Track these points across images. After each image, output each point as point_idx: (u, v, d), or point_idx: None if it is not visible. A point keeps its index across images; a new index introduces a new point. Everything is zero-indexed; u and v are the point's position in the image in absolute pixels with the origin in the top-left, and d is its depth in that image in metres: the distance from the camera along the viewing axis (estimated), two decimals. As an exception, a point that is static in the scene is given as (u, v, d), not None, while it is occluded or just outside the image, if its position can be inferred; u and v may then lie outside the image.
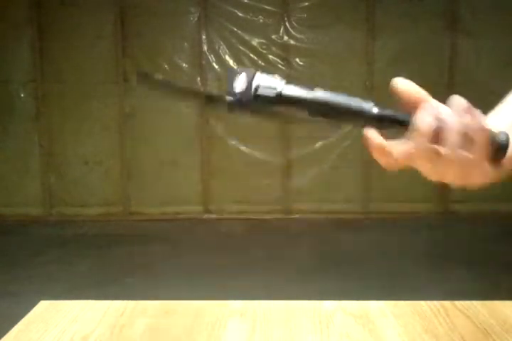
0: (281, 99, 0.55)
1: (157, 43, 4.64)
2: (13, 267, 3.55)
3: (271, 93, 0.54)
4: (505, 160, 0.56)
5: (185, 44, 4.67)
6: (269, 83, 0.55)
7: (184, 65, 4.67)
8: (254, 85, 0.54)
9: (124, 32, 4.60)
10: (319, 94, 0.55)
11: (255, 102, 0.55)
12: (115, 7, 4.56)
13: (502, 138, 0.55)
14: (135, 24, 4.61)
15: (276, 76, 0.55)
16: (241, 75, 0.55)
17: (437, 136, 0.52)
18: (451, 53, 4.61)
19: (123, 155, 4.72)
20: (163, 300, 0.93)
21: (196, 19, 4.63)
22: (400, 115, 0.55)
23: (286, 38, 4.66)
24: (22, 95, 4.68)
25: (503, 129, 0.57)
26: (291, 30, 4.64)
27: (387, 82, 0.54)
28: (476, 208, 4.44)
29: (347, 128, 4.63)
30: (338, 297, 0.98)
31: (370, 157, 0.54)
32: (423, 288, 3.15)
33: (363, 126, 0.54)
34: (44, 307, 0.90)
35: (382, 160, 0.54)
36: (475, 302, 0.90)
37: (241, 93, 0.55)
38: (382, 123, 0.54)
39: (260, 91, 0.55)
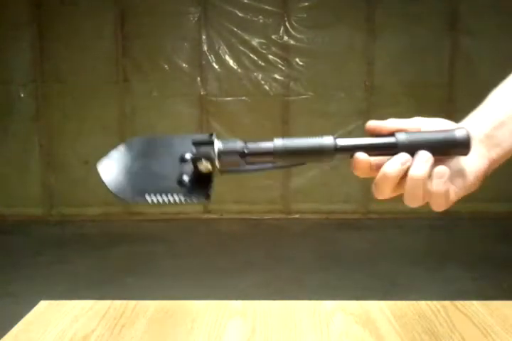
0: (245, 157, 0.56)
1: (157, 43, 4.64)
2: (13, 267, 3.55)
3: (234, 157, 0.56)
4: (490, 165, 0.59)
5: (185, 44, 4.67)
6: (229, 147, 0.56)
7: (184, 65, 4.67)
8: (216, 157, 0.56)
9: (124, 32, 4.60)
10: (279, 142, 0.56)
11: (225, 169, 0.57)
12: (115, 7, 4.57)
13: (460, 134, 0.55)
14: (135, 24, 4.61)
15: (233, 140, 0.57)
16: (202, 160, 0.56)
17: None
18: (452, 53, 4.61)
19: (123, 155, 4.71)
20: (163, 300, 0.93)
21: (196, 19, 4.63)
22: (362, 140, 0.56)
23: (286, 38, 4.66)
24: (22, 95, 4.68)
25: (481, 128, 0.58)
26: (291, 30, 4.64)
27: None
28: (476, 208, 4.43)
29: (347, 128, 4.63)
30: (338, 297, 0.98)
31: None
32: (423, 288, 3.16)
33: (329, 160, 0.56)
34: (44, 307, 0.90)
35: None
36: (475, 302, 0.90)
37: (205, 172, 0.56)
38: (347, 152, 0.56)
39: (223, 163, 0.56)
